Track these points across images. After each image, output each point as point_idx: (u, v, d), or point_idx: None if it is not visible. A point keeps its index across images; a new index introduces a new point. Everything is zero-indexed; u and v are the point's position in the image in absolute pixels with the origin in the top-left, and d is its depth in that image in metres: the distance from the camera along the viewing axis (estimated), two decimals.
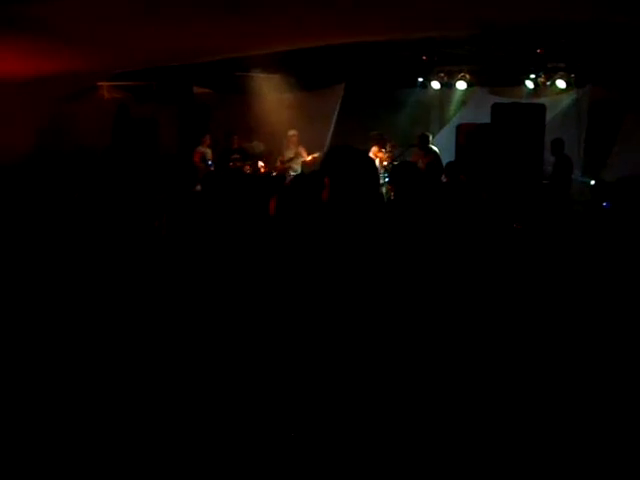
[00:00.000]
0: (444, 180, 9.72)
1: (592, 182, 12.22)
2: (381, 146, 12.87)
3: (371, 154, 11.72)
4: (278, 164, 13.51)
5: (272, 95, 15.00)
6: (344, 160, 3.54)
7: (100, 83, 14.48)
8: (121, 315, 4.67)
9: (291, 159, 13.52)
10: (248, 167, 12.82)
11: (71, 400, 3.86)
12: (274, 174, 12.34)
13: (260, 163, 13.20)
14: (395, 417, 3.04)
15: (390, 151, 12.72)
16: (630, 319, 4.35)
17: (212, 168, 13.25)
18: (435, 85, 15.03)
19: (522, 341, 3.91)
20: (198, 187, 12.39)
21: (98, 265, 5.48)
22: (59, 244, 6.29)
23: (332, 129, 15.13)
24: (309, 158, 13.37)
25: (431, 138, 13.19)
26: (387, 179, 10.45)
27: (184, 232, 4.87)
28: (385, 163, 12.24)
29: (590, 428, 3.36)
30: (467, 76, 14.50)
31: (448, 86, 14.93)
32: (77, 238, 6.41)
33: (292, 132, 13.82)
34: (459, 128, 11.41)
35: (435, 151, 12.52)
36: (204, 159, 13.47)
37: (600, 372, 3.78)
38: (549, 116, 12.30)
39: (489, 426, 3.28)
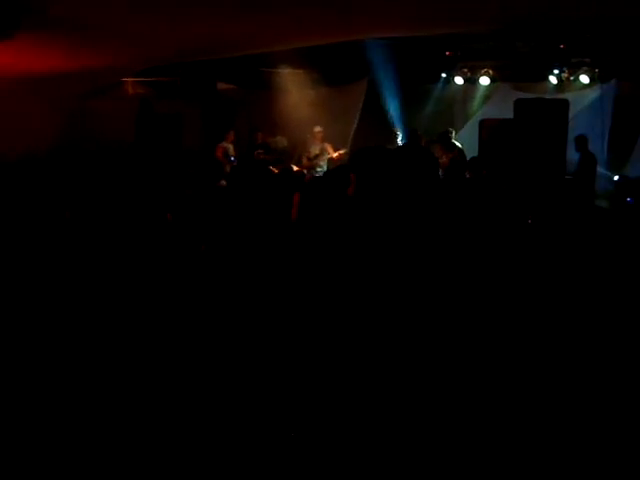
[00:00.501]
0: (467, 176, 9.70)
1: (616, 178, 12.16)
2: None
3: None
4: (305, 161, 13.49)
5: (296, 91, 15.01)
6: (371, 159, 3.57)
7: (124, 79, 14.55)
8: (126, 311, 4.70)
9: (317, 156, 13.51)
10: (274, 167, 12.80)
11: (71, 399, 3.89)
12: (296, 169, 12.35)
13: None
14: (395, 417, 3.05)
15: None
16: None
17: (235, 163, 13.30)
18: (458, 81, 14.97)
19: (525, 338, 3.89)
20: (222, 182, 12.50)
21: (113, 259, 5.51)
22: (79, 238, 6.34)
23: (355, 125, 15.09)
24: (335, 155, 13.36)
25: (454, 134, 13.18)
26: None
27: (206, 226, 4.90)
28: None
29: (590, 428, 3.35)
30: (490, 72, 14.43)
31: (471, 82, 14.87)
32: (96, 232, 6.46)
33: (317, 129, 13.80)
34: (482, 123, 11.38)
35: (459, 147, 12.50)
36: (226, 154, 13.52)
37: (602, 371, 3.76)
38: (573, 111, 12.22)
39: (489, 426, 3.27)
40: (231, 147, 13.75)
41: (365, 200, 3.43)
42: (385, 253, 3.25)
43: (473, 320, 3.64)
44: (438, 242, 3.84)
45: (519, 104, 10.30)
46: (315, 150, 13.64)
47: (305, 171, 11.80)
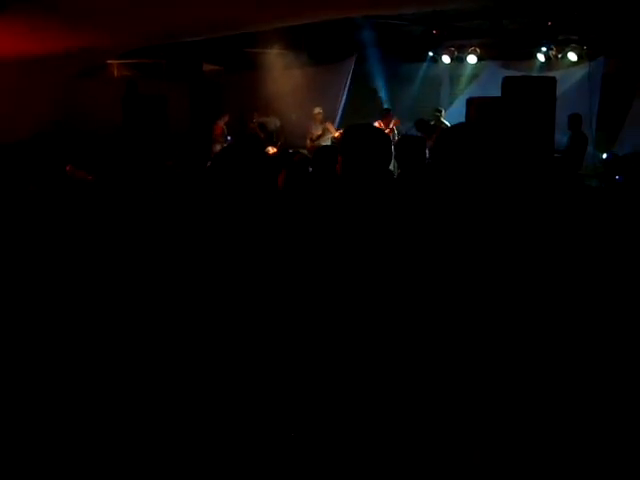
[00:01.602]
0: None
1: (604, 156, 12.17)
2: (387, 122, 12.87)
3: None
4: (308, 142, 13.45)
5: (282, 71, 14.99)
6: (358, 137, 3.53)
7: (110, 61, 14.48)
8: (118, 305, 4.66)
9: (319, 136, 13.43)
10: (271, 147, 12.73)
11: (70, 398, 3.87)
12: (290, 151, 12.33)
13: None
14: (395, 417, 3.03)
15: (391, 128, 12.76)
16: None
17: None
18: (445, 59, 14.94)
19: (525, 334, 3.87)
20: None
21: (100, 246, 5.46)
22: (66, 223, 6.29)
23: (343, 103, 15.06)
24: (337, 134, 13.30)
25: (443, 113, 13.17)
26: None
27: (190, 208, 4.85)
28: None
29: (590, 428, 3.34)
30: (478, 50, 14.40)
31: (459, 60, 14.84)
32: (83, 218, 6.41)
33: (317, 110, 13.70)
34: (470, 102, 11.34)
35: (446, 125, 12.48)
36: (224, 134, 13.50)
37: (603, 370, 3.75)
38: (561, 89, 12.19)
39: (489, 426, 3.27)
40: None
41: (351, 180, 3.39)
42: (373, 239, 3.22)
43: (462, 311, 3.62)
44: (428, 224, 3.82)
45: (507, 82, 10.28)
46: (317, 131, 13.58)
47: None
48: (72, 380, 3.99)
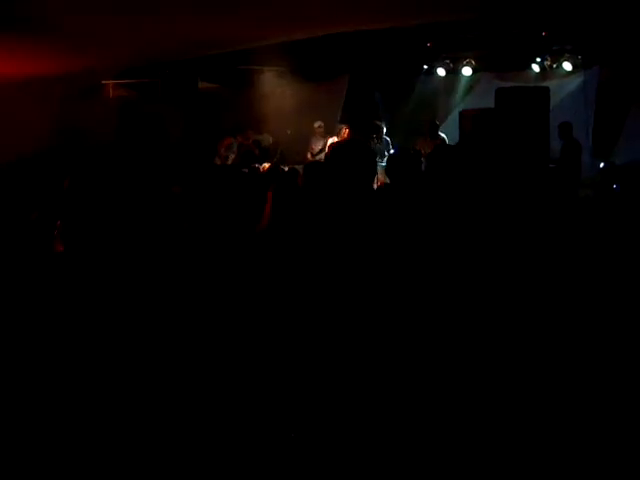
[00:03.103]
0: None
1: (601, 165, 12.14)
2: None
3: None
4: (309, 156, 13.47)
5: (278, 88, 15.03)
6: (342, 152, 3.52)
7: (105, 82, 14.49)
8: (117, 311, 4.64)
9: (321, 150, 13.43)
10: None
11: (70, 397, 3.85)
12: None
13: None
14: (395, 417, 3.01)
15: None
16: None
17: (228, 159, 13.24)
18: (440, 72, 14.95)
19: (524, 335, 3.84)
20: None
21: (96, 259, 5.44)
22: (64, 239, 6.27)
23: (338, 120, 15.06)
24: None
25: (439, 126, 13.17)
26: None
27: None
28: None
29: (590, 428, 3.31)
30: (473, 62, 14.42)
31: (454, 73, 14.85)
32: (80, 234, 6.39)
33: (317, 124, 13.78)
34: (462, 114, 11.33)
35: (443, 137, 12.49)
36: (230, 148, 13.41)
37: (603, 369, 3.72)
38: (556, 99, 12.19)
39: (489, 426, 3.24)
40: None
41: (339, 196, 3.37)
42: (365, 250, 3.20)
43: (461, 316, 3.59)
44: (423, 236, 3.80)
45: (500, 93, 10.28)
46: (318, 145, 13.61)
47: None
48: (72, 380, 3.98)
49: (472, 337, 3.51)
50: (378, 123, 13.52)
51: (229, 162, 13.01)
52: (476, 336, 3.54)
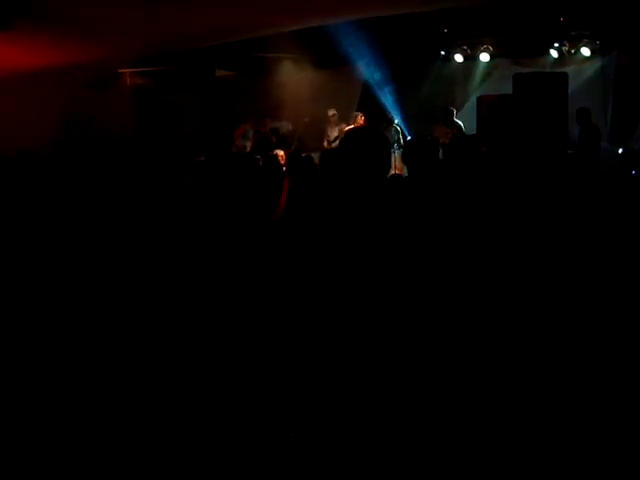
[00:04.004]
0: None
1: (620, 150, 12.03)
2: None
3: None
4: (325, 144, 13.44)
5: (295, 75, 14.98)
6: (356, 140, 3.49)
7: (122, 70, 14.51)
8: (122, 310, 4.66)
9: (337, 138, 13.37)
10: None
11: (70, 397, 3.86)
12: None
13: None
14: (395, 417, 3.00)
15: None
16: None
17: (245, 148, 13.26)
18: (458, 58, 14.84)
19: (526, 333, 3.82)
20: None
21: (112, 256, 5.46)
22: (80, 231, 6.30)
23: (356, 107, 15.01)
24: None
25: (455, 113, 13.10)
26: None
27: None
28: None
29: (590, 428, 3.30)
30: (490, 48, 14.29)
31: (471, 59, 14.74)
32: (97, 225, 6.42)
33: (332, 112, 13.72)
34: (480, 100, 11.27)
35: (460, 125, 12.43)
36: (246, 137, 13.46)
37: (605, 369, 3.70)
38: (575, 85, 12.09)
39: (489, 426, 3.23)
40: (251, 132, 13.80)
41: (354, 183, 3.34)
42: (376, 241, 3.18)
43: (471, 311, 3.58)
44: (441, 225, 3.78)
45: (517, 79, 10.22)
46: (334, 133, 13.55)
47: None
48: (73, 379, 4.00)
49: (482, 332, 3.50)
50: (389, 116, 13.50)
51: (247, 150, 13.03)
52: (488, 331, 3.53)
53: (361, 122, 12.80)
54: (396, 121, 13.42)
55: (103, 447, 3.52)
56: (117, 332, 4.47)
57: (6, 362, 4.22)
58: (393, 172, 9.80)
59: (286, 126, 14.59)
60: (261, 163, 7.79)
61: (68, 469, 3.39)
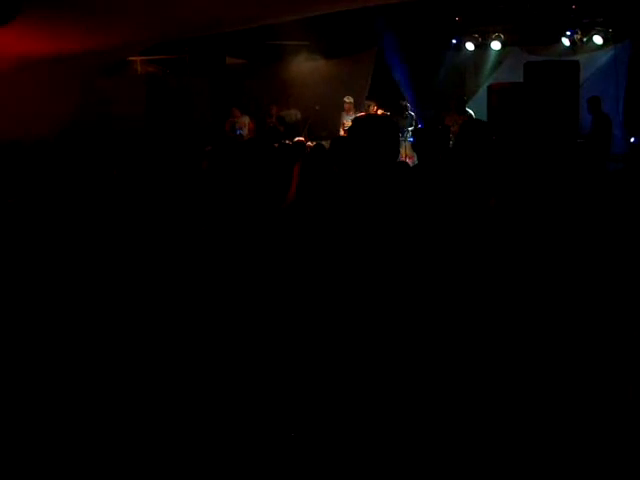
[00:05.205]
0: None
1: (632, 139, 11.98)
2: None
3: None
4: (342, 132, 13.43)
5: (305, 63, 14.99)
6: (364, 127, 3.48)
7: (132, 58, 14.53)
8: (122, 305, 4.67)
9: None
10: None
11: (70, 396, 3.88)
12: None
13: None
14: (395, 417, 3.01)
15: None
16: None
17: (241, 137, 13.39)
18: (469, 46, 14.79)
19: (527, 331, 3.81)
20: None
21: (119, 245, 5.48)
22: (91, 217, 6.32)
23: (367, 94, 14.99)
24: None
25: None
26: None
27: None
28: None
29: (590, 428, 3.29)
30: (502, 36, 14.24)
31: (482, 47, 14.69)
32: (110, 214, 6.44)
33: (348, 99, 13.68)
34: (491, 88, 11.21)
35: (470, 113, 12.38)
36: (233, 128, 13.63)
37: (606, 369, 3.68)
38: (587, 73, 12.03)
39: (489, 426, 3.23)
40: (241, 121, 13.83)
41: (360, 171, 3.34)
42: (382, 231, 3.18)
43: (472, 307, 3.57)
44: (445, 216, 3.77)
45: (529, 67, 10.16)
46: (349, 121, 13.53)
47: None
48: (73, 378, 4.01)
49: (489, 327, 3.50)
50: (403, 103, 13.46)
51: (245, 137, 13.19)
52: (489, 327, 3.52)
53: (373, 110, 12.77)
54: (409, 108, 13.39)
55: (103, 447, 3.53)
56: (118, 312, 4.49)
57: (3, 359, 4.23)
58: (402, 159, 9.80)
59: (295, 114, 14.59)
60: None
61: (68, 469, 3.40)
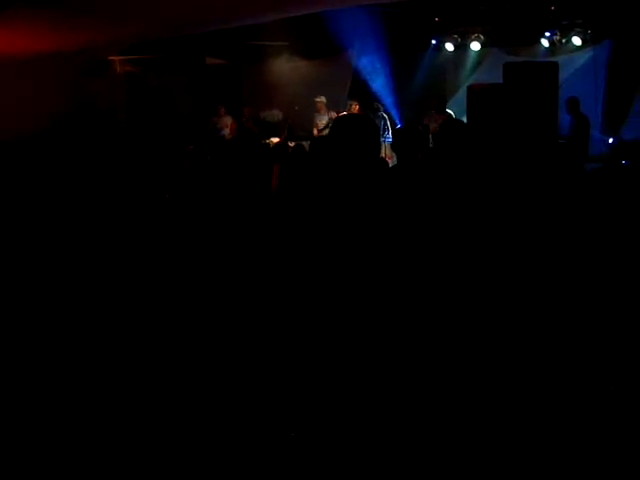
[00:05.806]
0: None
1: (611, 140, 12.07)
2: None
3: None
4: (315, 132, 13.42)
5: (285, 63, 14.99)
6: (344, 126, 3.48)
7: (112, 58, 14.48)
8: (118, 303, 4.65)
9: (326, 126, 13.33)
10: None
11: (70, 396, 3.86)
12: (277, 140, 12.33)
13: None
14: (395, 416, 3.01)
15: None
16: None
17: (223, 136, 13.39)
18: (449, 47, 14.84)
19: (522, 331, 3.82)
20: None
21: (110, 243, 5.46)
22: (72, 215, 6.30)
23: (346, 95, 14.99)
24: None
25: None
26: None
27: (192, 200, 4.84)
28: None
29: (590, 428, 3.31)
30: (481, 36, 14.31)
31: (462, 47, 14.74)
32: (88, 212, 6.42)
33: (320, 99, 13.61)
34: (470, 89, 11.23)
35: (450, 113, 12.42)
36: (215, 128, 13.63)
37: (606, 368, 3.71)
38: (566, 74, 12.09)
39: (489, 426, 3.24)
40: (224, 120, 13.82)
41: (343, 168, 3.34)
42: (369, 232, 3.18)
43: (462, 305, 3.58)
44: (427, 217, 3.78)
45: (508, 68, 10.18)
46: (322, 121, 13.48)
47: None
48: (73, 378, 4.00)
49: (478, 323, 3.50)
50: (375, 104, 13.50)
51: (227, 137, 13.20)
52: (482, 323, 3.53)
53: (355, 109, 12.77)
54: (382, 109, 13.41)
55: (103, 446, 3.52)
56: (116, 305, 4.48)
57: (3, 359, 4.22)
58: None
59: (276, 114, 14.56)
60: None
61: (68, 469, 3.39)
